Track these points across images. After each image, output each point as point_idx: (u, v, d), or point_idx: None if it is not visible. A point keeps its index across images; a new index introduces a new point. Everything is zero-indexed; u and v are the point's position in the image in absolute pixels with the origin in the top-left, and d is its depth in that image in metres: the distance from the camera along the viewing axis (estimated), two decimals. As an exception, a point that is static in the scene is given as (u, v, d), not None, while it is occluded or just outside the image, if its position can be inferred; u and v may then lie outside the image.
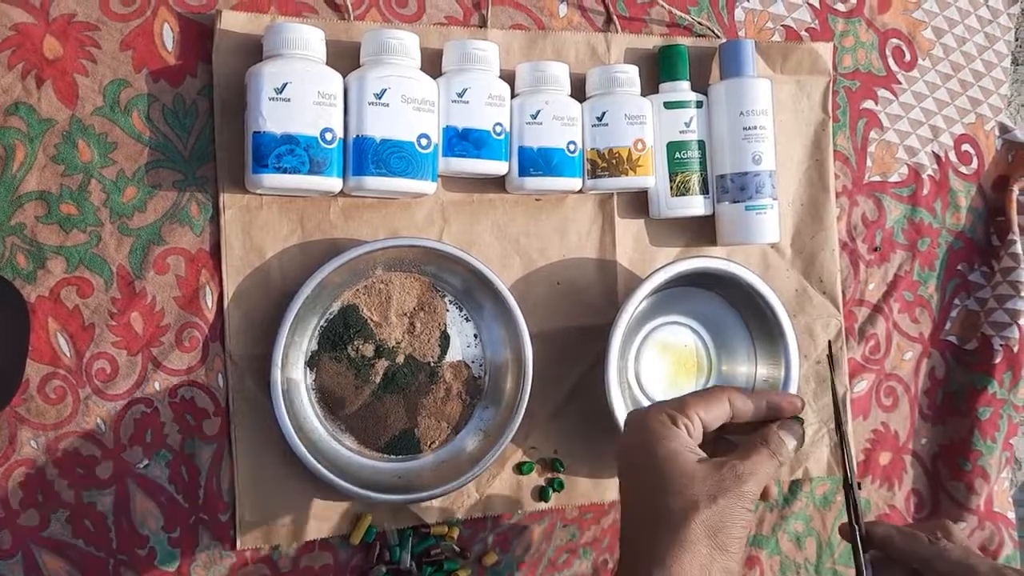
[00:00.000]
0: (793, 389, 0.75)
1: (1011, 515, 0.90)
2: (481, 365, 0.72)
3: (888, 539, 0.59)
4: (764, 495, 0.56)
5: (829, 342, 0.73)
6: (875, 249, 0.85)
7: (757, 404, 0.59)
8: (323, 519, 0.68)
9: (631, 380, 0.76)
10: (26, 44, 0.61)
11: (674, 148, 0.74)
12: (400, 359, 0.69)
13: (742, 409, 0.58)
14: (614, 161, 0.71)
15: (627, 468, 0.57)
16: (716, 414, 0.57)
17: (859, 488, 0.64)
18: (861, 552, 0.59)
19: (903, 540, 0.59)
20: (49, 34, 0.62)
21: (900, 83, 0.86)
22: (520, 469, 0.73)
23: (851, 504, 0.60)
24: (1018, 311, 0.86)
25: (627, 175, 0.72)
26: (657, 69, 0.76)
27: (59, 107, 0.62)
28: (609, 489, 0.75)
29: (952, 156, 0.88)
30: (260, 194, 0.66)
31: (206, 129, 0.65)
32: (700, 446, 0.56)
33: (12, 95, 0.61)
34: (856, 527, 0.60)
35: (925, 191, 0.87)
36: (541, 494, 0.73)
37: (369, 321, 0.68)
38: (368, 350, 0.68)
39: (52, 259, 0.62)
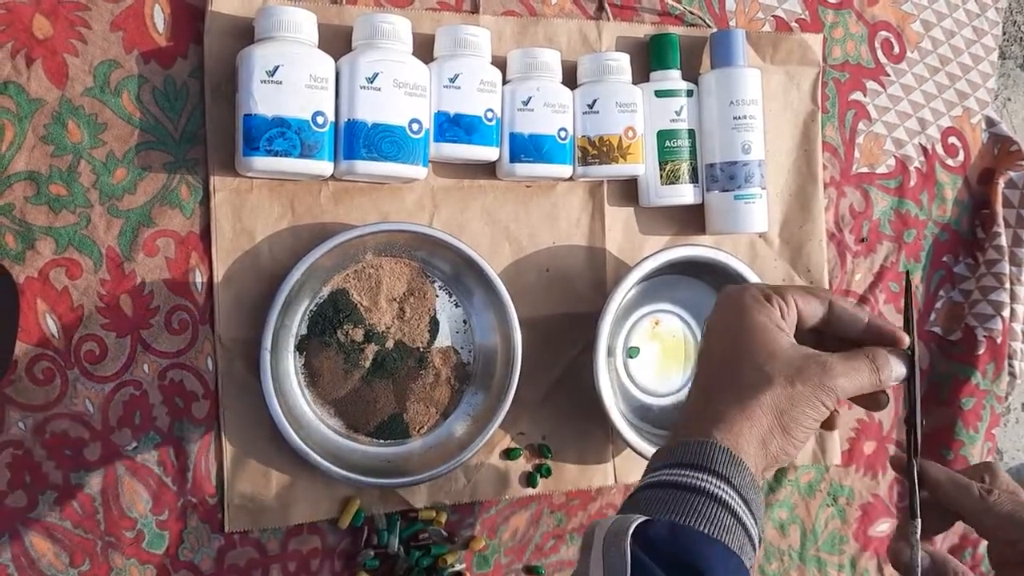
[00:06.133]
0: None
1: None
2: (470, 351, 0.72)
3: (938, 485, 0.56)
4: (828, 425, 0.53)
5: (907, 272, 0.64)
6: (862, 240, 0.86)
7: (860, 317, 0.54)
8: (311, 503, 0.68)
9: (619, 368, 0.77)
10: (15, 23, 0.61)
11: (664, 136, 0.74)
12: (389, 344, 0.69)
13: (843, 312, 0.54)
14: (604, 149, 0.72)
15: (710, 339, 0.54)
16: (814, 306, 0.54)
17: (923, 424, 0.60)
18: (917, 491, 0.56)
19: (954, 489, 0.56)
20: (39, 13, 0.61)
21: (888, 75, 0.87)
22: (508, 455, 0.73)
23: (912, 438, 0.56)
24: (1002, 303, 0.87)
25: (617, 163, 0.72)
26: (648, 57, 0.76)
27: (49, 87, 0.61)
28: (596, 475, 0.76)
29: (939, 149, 0.89)
30: (251, 177, 0.66)
31: (197, 111, 0.65)
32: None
33: (1, 74, 0.60)
34: (913, 463, 0.56)
35: (912, 183, 0.88)
36: (529, 480, 0.74)
37: (359, 306, 0.68)
38: (357, 335, 0.68)
39: (41, 240, 0.61)
